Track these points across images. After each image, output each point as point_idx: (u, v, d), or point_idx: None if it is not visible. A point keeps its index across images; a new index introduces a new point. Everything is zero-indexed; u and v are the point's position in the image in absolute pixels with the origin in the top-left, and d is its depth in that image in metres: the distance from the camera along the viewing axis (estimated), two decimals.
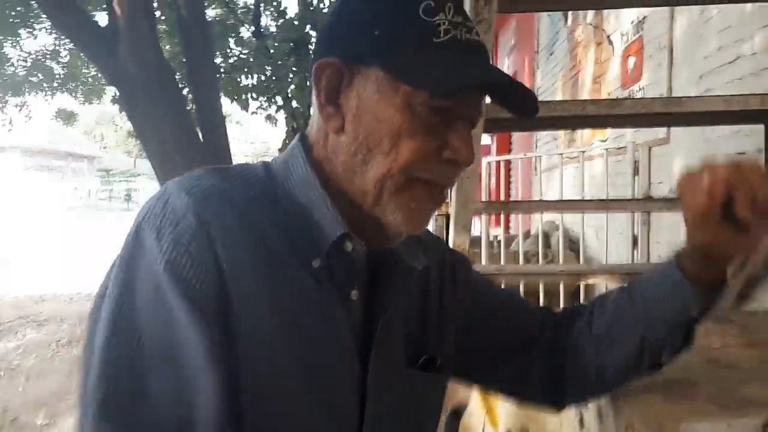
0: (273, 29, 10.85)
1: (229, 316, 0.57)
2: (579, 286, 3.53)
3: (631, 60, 3.74)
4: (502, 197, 5.85)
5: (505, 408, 1.58)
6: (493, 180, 6.06)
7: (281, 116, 12.47)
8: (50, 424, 3.24)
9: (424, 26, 0.61)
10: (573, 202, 2.27)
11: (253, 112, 12.56)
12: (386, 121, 0.61)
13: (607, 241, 3.30)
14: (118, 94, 6.36)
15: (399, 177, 0.62)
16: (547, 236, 4.52)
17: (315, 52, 0.66)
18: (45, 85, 9.46)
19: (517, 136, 7.18)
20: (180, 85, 6.97)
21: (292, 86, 11.46)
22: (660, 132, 3.17)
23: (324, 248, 0.63)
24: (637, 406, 0.90)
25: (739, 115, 1.95)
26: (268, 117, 12.90)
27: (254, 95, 11.91)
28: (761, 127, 2.04)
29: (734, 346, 1.29)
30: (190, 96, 7.02)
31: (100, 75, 8.14)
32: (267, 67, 11.44)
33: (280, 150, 13.41)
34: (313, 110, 0.67)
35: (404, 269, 0.70)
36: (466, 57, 0.62)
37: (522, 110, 0.66)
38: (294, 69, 11.49)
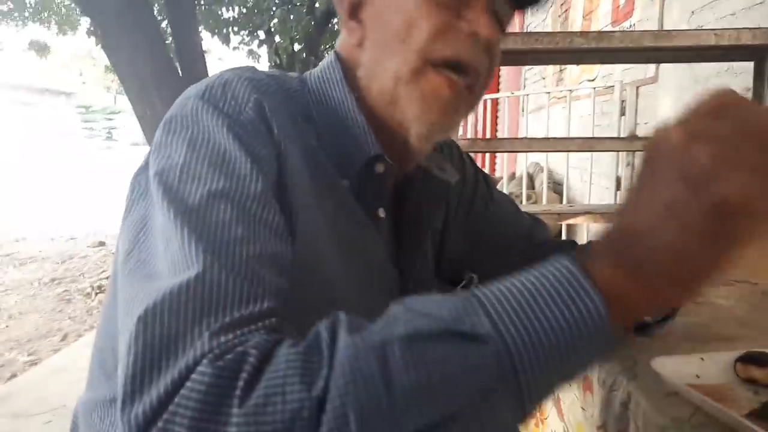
0: None
1: (284, 202, 0.55)
2: (561, 226, 3.55)
3: None
4: (489, 136, 5.80)
5: None
6: (480, 120, 5.98)
7: (264, 51, 12.20)
8: (34, 361, 3.25)
9: None
10: (557, 141, 2.24)
11: (234, 48, 12.24)
12: (402, 9, 0.60)
13: (591, 183, 3.29)
14: (91, 25, 6.11)
15: (413, 59, 0.59)
16: (531, 178, 4.50)
17: None
18: (15, 14, 9.06)
19: (505, 75, 7.06)
20: (158, 18, 6.72)
21: (275, 20, 11.13)
22: (649, 70, 3.11)
23: (354, 168, 0.63)
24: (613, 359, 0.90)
25: (729, 51, 1.90)
26: (250, 52, 12.58)
27: (235, 29, 11.57)
28: (750, 65, 2.00)
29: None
30: (168, 29, 6.77)
31: (73, 4, 7.80)
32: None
33: None
34: (342, 27, 0.68)
35: (437, 184, 0.71)
36: None
37: None
38: (276, 1, 11.13)
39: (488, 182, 0.86)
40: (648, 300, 0.38)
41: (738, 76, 2.25)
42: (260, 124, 0.55)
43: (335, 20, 12.92)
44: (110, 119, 33.05)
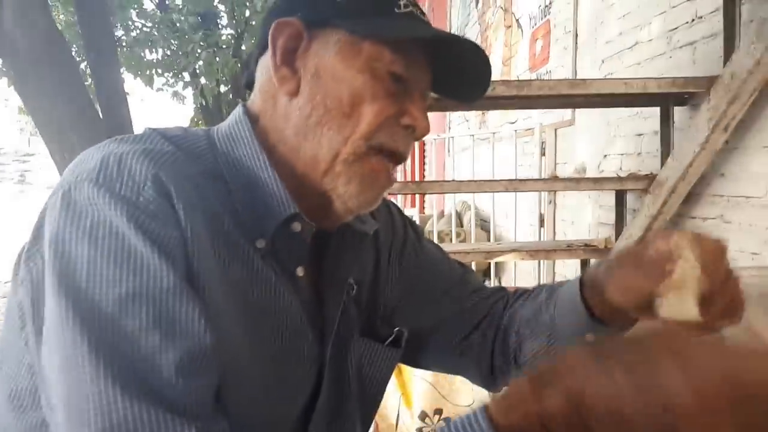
0: (178, 1, 10.37)
1: (196, 287, 0.52)
2: (490, 264, 3.63)
3: (539, 43, 3.85)
4: (418, 178, 5.91)
5: (419, 389, 1.59)
6: (409, 161, 6.09)
7: (189, 93, 12.02)
8: None
9: None
10: (484, 183, 2.31)
11: (158, 89, 12.00)
12: (347, 81, 0.60)
13: (516, 220, 3.40)
14: (2, 65, 5.85)
15: (359, 144, 0.61)
16: (459, 216, 4.61)
17: (272, 12, 0.64)
18: None
19: (431, 118, 7.25)
20: (76, 59, 6.51)
21: (200, 62, 11.03)
22: (566, 114, 3.28)
23: (270, 228, 0.60)
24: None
25: (637, 97, 2.04)
26: (175, 94, 12.38)
27: (159, 71, 11.37)
28: (658, 109, 2.16)
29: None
30: (88, 71, 6.56)
31: None
32: (172, 41, 10.93)
33: None
34: (262, 76, 0.65)
35: (354, 236, 0.69)
36: (424, 25, 0.65)
37: (468, 94, 0.69)
38: (202, 44, 11.05)
39: (416, 231, 0.85)
40: None
41: (647, 120, 2.41)
42: (161, 203, 0.52)
43: None
44: (24, 162, 31.40)
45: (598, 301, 0.67)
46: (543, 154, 3.49)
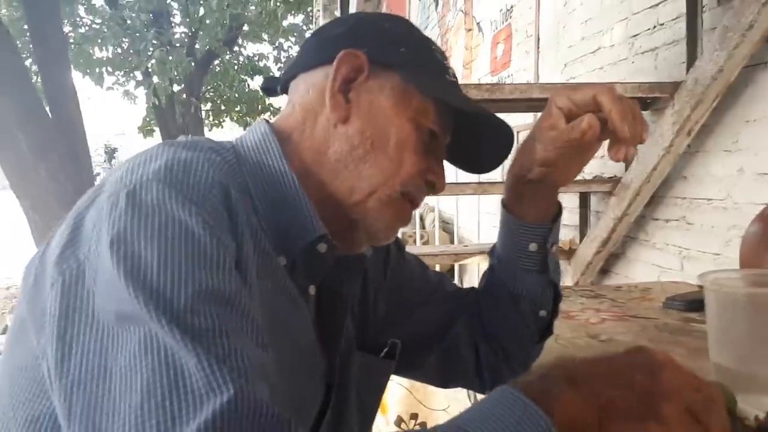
0: None
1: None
2: (453, 265, 3.64)
3: (500, 47, 3.89)
4: None
5: (395, 395, 1.57)
6: None
7: (141, 92, 11.72)
8: None
9: (440, 63, 0.68)
10: (455, 186, 2.32)
11: (108, 88, 11.66)
12: (397, 126, 0.64)
13: (479, 222, 3.43)
14: None
15: (396, 189, 0.65)
16: (422, 217, 4.62)
17: (339, 43, 0.65)
18: None
19: None
20: (22, 55, 6.25)
21: (153, 60, 10.76)
22: (527, 118, 3.33)
23: (295, 247, 0.61)
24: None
25: None
26: (126, 93, 12.05)
27: (109, 69, 11.04)
28: None
29: (609, 320, 1.37)
30: (35, 68, 6.32)
31: None
32: (123, 39, 10.63)
33: (140, 128, 12.62)
34: (306, 93, 0.67)
35: (353, 257, 0.70)
36: (466, 97, 0.69)
37: (476, 167, 0.75)
38: (154, 42, 10.78)
39: (399, 244, 0.87)
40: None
41: None
42: (223, 211, 0.51)
43: (217, 62, 12.73)
44: None
45: (522, 191, 0.75)
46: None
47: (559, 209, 0.78)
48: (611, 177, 2.19)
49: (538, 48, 3.30)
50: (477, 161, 0.75)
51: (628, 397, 0.45)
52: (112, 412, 0.41)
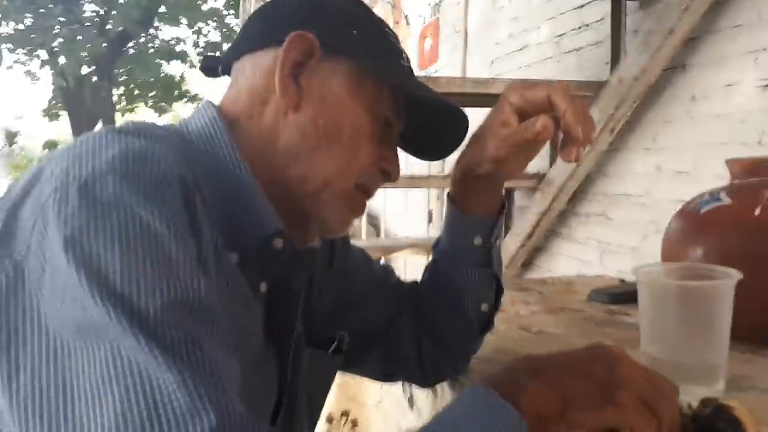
0: None
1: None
2: (380, 259, 3.65)
3: (428, 41, 3.92)
4: None
5: None
6: None
7: (46, 73, 10.98)
8: None
9: (394, 46, 0.66)
10: None
11: (8, 67, 10.86)
12: (352, 115, 0.61)
13: (407, 216, 3.45)
14: None
15: (350, 179, 0.62)
16: None
17: (288, 23, 0.61)
18: None
19: None
20: None
21: (60, 39, 10.10)
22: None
23: (248, 242, 0.57)
24: (474, 381, 0.92)
25: None
26: (28, 73, 11.27)
27: (10, 46, 10.26)
28: None
29: (538, 313, 1.40)
30: None
31: None
32: (27, 15, 9.90)
33: (44, 111, 11.84)
34: (253, 77, 0.62)
35: (301, 252, 0.67)
36: (421, 83, 0.67)
37: (428, 154, 0.73)
38: (62, 19, 10.12)
39: (344, 237, 0.85)
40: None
41: None
42: (183, 206, 0.47)
43: (131, 44, 12.13)
44: None
45: (469, 186, 0.74)
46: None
47: (503, 203, 0.78)
48: (535, 173, 2.25)
49: (466, 43, 3.34)
50: (428, 148, 0.73)
51: (588, 386, 0.49)
52: None
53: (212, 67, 0.69)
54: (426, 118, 0.68)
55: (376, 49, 0.64)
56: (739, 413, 0.58)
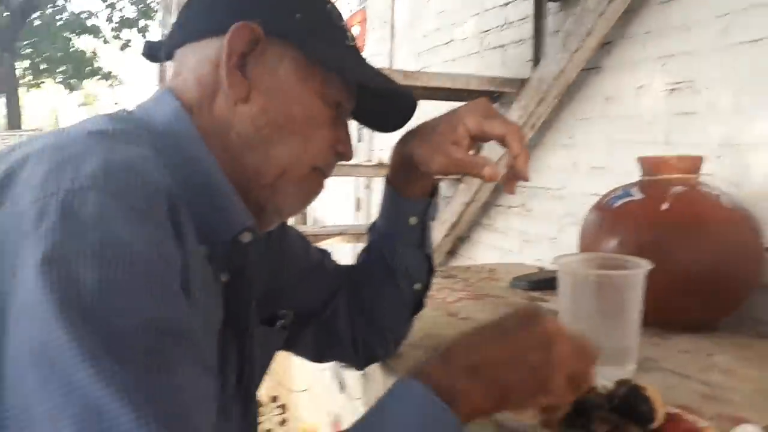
0: None
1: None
2: None
3: (355, 30, 3.91)
4: None
5: None
6: None
7: None
8: None
9: (337, 26, 0.66)
10: None
11: None
12: (303, 104, 0.62)
13: (335, 204, 3.46)
14: None
15: (306, 165, 0.63)
16: None
17: (230, 10, 0.61)
18: None
19: None
20: None
21: None
22: None
23: (218, 237, 0.58)
24: (404, 364, 0.95)
25: (457, 92, 2.18)
26: None
27: None
28: None
29: (464, 299, 1.46)
30: None
31: None
32: None
33: None
34: (199, 67, 0.61)
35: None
36: (367, 63, 0.69)
37: (380, 126, 0.74)
38: None
39: None
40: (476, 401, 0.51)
41: None
42: (168, 221, 0.46)
43: (35, 15, 11.32)
44: None
45: (407, 170, 0.77)
46: (359, 140, 3.58)
47: (436, 186, 0.83)
48: None
49: (393, 35, 3.37)
50: (376, 123, 0.75)
51: (525, 377, 0.53)
52: None
53: (154, 54, 0.68)
54: (375, 95, 0.70)
55: (322, 32, 0.64)
56: (650, 393, 0.65)
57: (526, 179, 0.69)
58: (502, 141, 0.68)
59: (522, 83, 2.01)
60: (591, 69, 1.83)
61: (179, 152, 0.57)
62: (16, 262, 0.40)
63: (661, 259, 0.92)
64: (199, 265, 0.54)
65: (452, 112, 0.71)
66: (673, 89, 1.54)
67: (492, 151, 1.56)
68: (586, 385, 0.58)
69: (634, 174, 1.25)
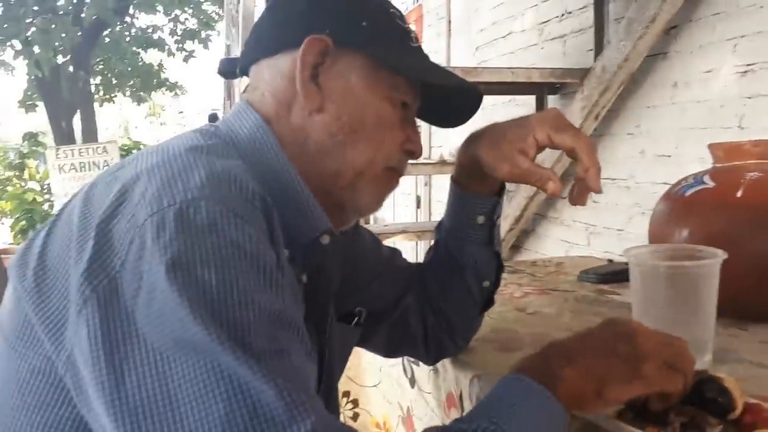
0: None
1: None
2: None
3: (411, 27, 3.93)
4: None
5: None
6: None
7: (21, 64, 10.74)
8: None
9: (402, 29, 0.68)
10: None
11: None
12: (372, 107, 0.65)
13: (394, 203, 3.49)
14: None
15: (380, 166, 0.66)
16: None
17: (300, 25, 0.64)
18: None
19: None
20: None
21: (34, 28, 9.88)
22: None
23: (299, 240, 0.62)
24: (476, 359, 0.96)
25: (517, 86, 2.17)
26: (2, 63, 11.00)
27: None
28: (531, 98, 2.31)
29: (531, 293, 1.45)
30: None
31: None
32: None
33: (20, 102, 11.60)
34: (275, 81, 0.65)
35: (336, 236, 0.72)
36: (431, 61, 0.70)
37: (444, 123, 0.76)
38: (35, 8, 9.90)
39: None
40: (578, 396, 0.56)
41: (520, 107, 2.58)
42: (264, 221, 0.51)
43: (106, 32, 11.90)
44: None
45: (473, 170, 0.77)
46: (430, 126, 3.60)
47: (503, 184, 0.82)
48: None
49: (450, 30, 3.37)
50: (442, 118, 0.76)
51: (617, 365, 0.56)
52: None
53: (229, 71, 0.72)
54: (440, 93, 0.71)
55: (387, 36, 0.66)
56: (728, 383, 0.64)
57: (597, 191, 0.68)
58: (573, 154, 0.68)
59: (584, 73, 1.98)
60: (657, 55, 1.78)
61: (263, 162, 0.61)
62: (141, 270, 0.46)
63: (737, 248, 0.90)
64: (288, 267, 0.57)
65: (523, 120, 0.71)
66: (745, 72, 1.48)
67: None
68: (689, 367, 0.60)
69: (704, 162, 1.22)
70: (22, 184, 8.02)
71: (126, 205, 0.49)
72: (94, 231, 0.49)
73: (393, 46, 0.66)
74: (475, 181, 0.80)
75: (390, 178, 0.69)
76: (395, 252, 0.93)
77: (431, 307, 0.89)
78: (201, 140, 0.58)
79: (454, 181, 0.83)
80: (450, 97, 0.72)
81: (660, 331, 0.61)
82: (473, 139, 0.76)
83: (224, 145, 0.59)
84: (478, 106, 0.73)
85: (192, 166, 0.51)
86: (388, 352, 0.95)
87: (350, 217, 0.70)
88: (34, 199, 7.17)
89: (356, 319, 0.80)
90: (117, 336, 0.45)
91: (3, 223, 7.93)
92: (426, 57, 0.71)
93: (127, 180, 0.52)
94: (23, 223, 6.82)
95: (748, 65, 1.47)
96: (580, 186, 0.69)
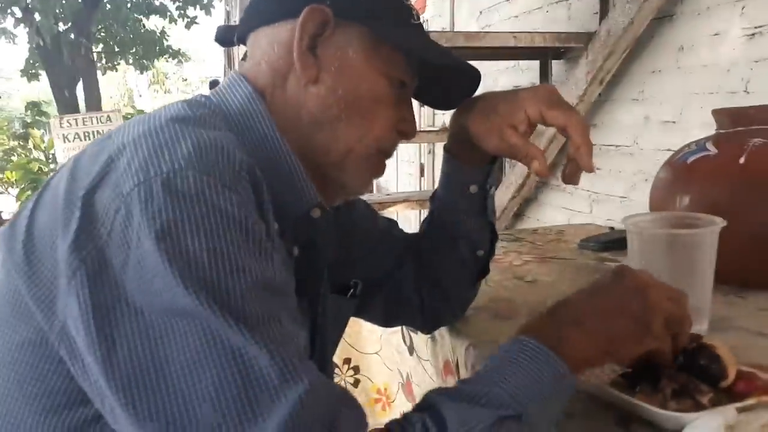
0: None
1: None
2: None
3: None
4: None
5: None
6: None
7: (22, 32, 10.64)
8: None
9: (403, 4, 0.65)
10: None
11: None
12: (369, 82, 0.63)
13: (398, 171, 3.47)
14: None
15: (372, 146, 0.65)
16: None
17: None
18: None
19: None
20: None
21: None
22: None
23: (289, 213, 0.61)
24: (471, 328, 0.97)
25: (521, 51, 2.13)
26: (3, 32, 10.91)
27: None
28: (535, 63, 2.27)
29: (531, 261, 1.45)
30: None
31: None
32: None
33: (22, 71, 11.54)
34: (271, 51, 0.64)
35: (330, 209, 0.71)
36: (430, 40, 0.68)
37: (442, 104, 0.75)
38: None
39: None
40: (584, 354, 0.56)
41: (524, 72, 2.54)
42: (252, 191, 0.51)
43: None
44: None
45: (465, 139, 0.75)
46: (421, 105, 3.56)
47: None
48: None
49: None
50: (439, 100, 0.75)
51: (629, 325, 0.57)
52: (185, 406, 0.42)
53: (227, 39, 0.71)
54: (438, 73, 0.70)
55: (388, 11, 0.64)
56: (720, 351, 0.63)
57: (589, 171, 0.66)
58: (564, 131, 0.66)
59: (589, 37, 1.94)
60: (663, 18, 1.74)
61: (253, 134, 0.60)
62: (128, 239, 0.46)
63: (738, 216, 0.88)
64: (277, 238, 0.57)
65: (514, 94, 0.69)
66: (753, 34, 1.44)
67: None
68: (686, 328, 0.61)
69: (709, 127, 1.20)
70: (27, 153, 8.03)
71: (111, 175, 0.49)
72: (80, 201, 0.48)
73: (394, 22, 0.64)
74: (467, 151, 0.78)
75: (379, 159, 0.68)
76: (391, 222, 0.93)
77: (427, 277, 0.89)
78: (188, 111, 0.57)
79: (447, 150, 0.82)
80: (447, 78, 0.70)
81: (666, 284, 0.62)
82: (464, 109, 0.74)
83: (213, 116, 0.58)
84: (476, 88, 0.71)
85: (179, 137, 0.50)
86: (386, 321, 0.95)
87: (337, 196, 0.69)
88: (40, 169, 7.20)
89: (352, 290, 0.80)
90: (107, 305, 0.45)
91: (9, 193, 7.97)
92: (426, 35, 0.69)
93: (113, 150, 0.51)
94: (29, 193, 6.86)
95: (756, 27, 1.43)
96: (572, 165, 0.67)
